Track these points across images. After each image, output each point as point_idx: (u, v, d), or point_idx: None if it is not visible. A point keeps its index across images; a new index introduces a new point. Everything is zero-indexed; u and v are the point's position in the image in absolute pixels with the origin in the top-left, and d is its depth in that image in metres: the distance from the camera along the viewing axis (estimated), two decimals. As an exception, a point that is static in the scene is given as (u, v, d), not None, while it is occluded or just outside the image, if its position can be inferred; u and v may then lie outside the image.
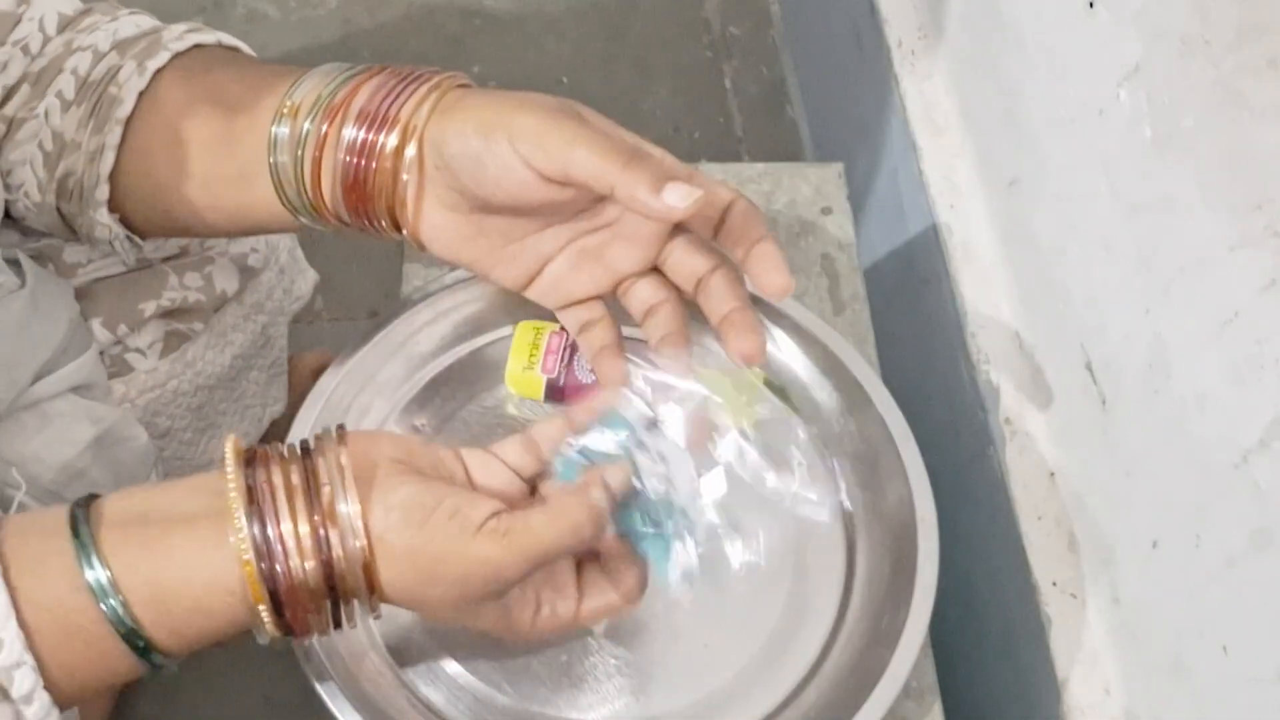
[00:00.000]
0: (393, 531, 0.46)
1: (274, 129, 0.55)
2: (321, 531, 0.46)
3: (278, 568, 0.45)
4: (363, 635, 0.58)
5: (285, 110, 0.55)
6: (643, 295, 0.58)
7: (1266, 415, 0.51)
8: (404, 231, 0.56)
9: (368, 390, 0.65)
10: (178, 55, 0.59)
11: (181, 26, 0.61)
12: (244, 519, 0.45)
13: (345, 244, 1.25)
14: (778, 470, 0.55)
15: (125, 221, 0.61)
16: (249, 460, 0.47)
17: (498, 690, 0.58)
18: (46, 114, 0.59)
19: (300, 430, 0.61)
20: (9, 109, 0.60)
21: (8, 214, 0.63)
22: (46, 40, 0.60)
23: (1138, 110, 0.61)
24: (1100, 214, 0.65)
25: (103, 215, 0.60)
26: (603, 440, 0.53)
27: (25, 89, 0.60)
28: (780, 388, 0.64)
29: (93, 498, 0.47)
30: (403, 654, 0.58)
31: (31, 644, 0.44)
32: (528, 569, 0.47)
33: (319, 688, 0.54)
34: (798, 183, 0.80)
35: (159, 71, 0.59)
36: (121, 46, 0.60)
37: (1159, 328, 0.60)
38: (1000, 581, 0.75)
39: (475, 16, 1.52)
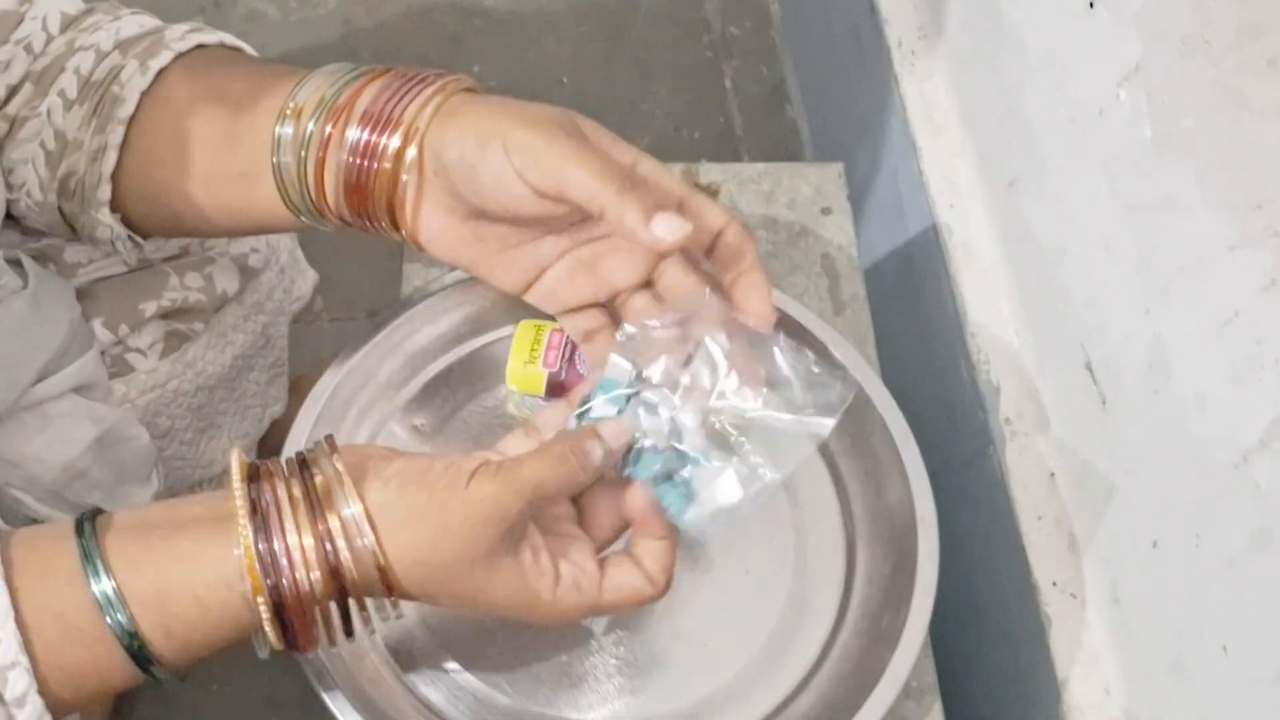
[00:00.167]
0: (392, 497, 0.47)
1: (277, 129, 0.55)
2: (326, 544, 0.46)
3: (283, 581, 0.46)
4: (363, 636, 0.58)
5: (289, 111, 0.55)
6: (638, 307, 0.58)
7: (1266, 415, 0.51)
8: (403, 232, 0.56)
9: (368, 390, 0.65)
10: (180, 55, 0.60)
11: (184, 27, 0.61)
12: (250, 533, 0.45)
13: (345, 244, 1.25)
14: (773, 388, 0.53)
15: (127, 221, 0.61)
16: (252, 476, 0.48)
17: (498, 690, 0.58)
18: (49, 113, 0.59)
19: (301, 430, 0.61)
20: (11, 108, 0.60)
21: (9, 214, 0.63)
22: (49, 39, 0.61)
23: (1138, 110, 0.61)
24: (1100, 214, 0.65)
25: (104, 215, 0.60)
26: (604, 408, 0.53)
27: (28, 88, 0.60)
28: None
29: (99, 511, 0.48)
30: (403, 654, 0.58)
31: (29, 645, 0.44)
32: (526, 504, 0.48)
33: (319, 688, 0.54)
34: (798, 183, 0.80)
35: (162, 71, 0.59)
36: (124, 46, 0.60)
37: (1159, 328, 0.60)
38: (1000, 581, 0.75)
39: (475, 16, 1.52)
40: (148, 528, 0.47)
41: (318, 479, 0.47)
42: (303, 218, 0.57)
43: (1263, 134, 0.53)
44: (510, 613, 0.50)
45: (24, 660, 0.43)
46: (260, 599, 0.45)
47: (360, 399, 0.65)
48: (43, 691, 0.44)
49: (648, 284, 0.58)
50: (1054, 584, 0.69)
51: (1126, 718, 0.64)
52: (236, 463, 0.47)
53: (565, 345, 0.65)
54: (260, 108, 0.56)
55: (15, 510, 0.63)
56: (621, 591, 0.51)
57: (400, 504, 0.47)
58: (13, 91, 0.60)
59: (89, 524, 0.46)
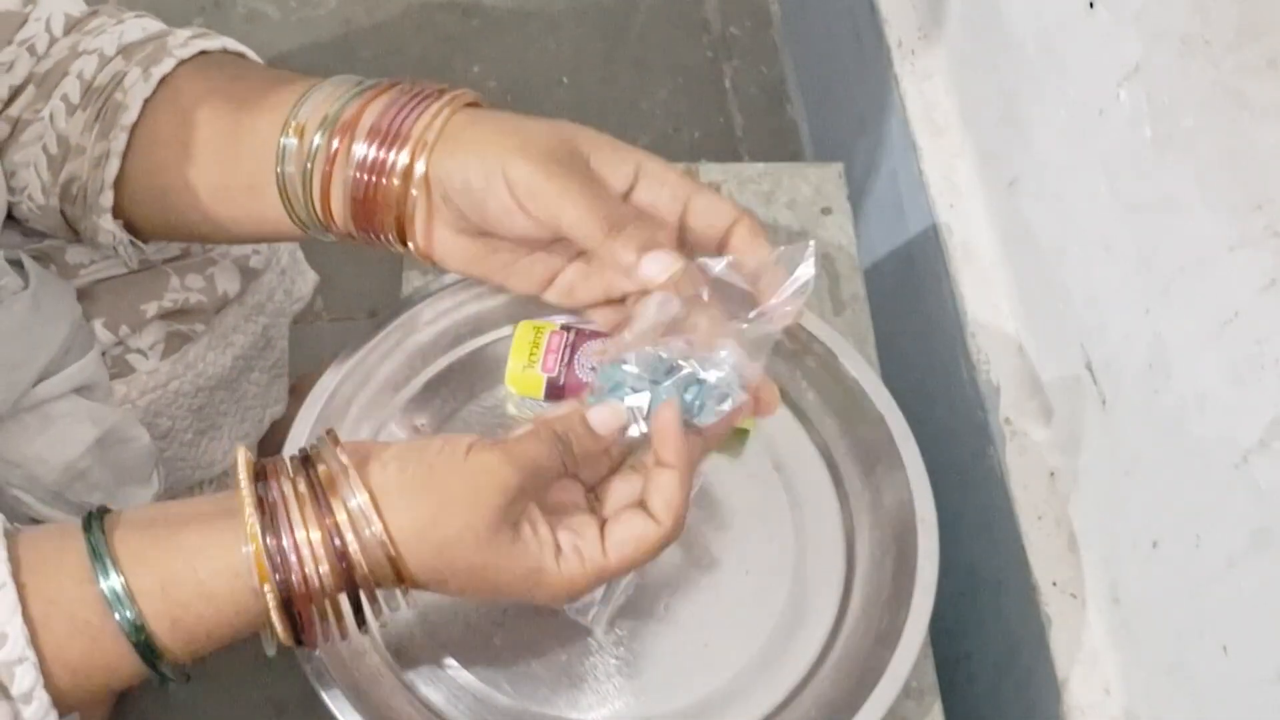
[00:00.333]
0: (393, 476, 0.47)
1: (282, 140, 0.55)
2: (335, 537, 0.46)
3: (292, 576, 0.46)
4: (363, 635, 0.58)
5: (293, 126, 0.55)
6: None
7: (1266, 415, 0.51)
8: (410, 246, 0.56)
9: (368, 390, 0.65)
10: (183, 61, 0.60)
11: (186, 32, 0.61)
12: (258, 529, 0.46)
13: (346, 245, 1.25)
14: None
15: (129, 226, 0.62)
16: (258, 474, 0.48)
17: (498, 690, 0.58)
18: (51, 117, 0.59)
19: (301, 429, 0.61)
20: (14, 109, 0.60)
21: (10, 215, 0.63)
22: (53, 41, 0.61)
23: (1138, 110, 0.61)
24: (1100, 214, 0.65)
25: (106, 221, 0.60)
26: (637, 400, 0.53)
27: (31, 90, 0.60)
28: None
29: (107, 509, 0.48)
30: (402, 654, 0.59)
31: (36, 641, 0.44)
32: (524, 477, 0.48)
33: (319, 688, 0.54)
34: (798, 183, 0.80)
35: (165, 78, 0.59)
36: (127, 51, 0.60)
37: (1159, 328, 0.60)
38: (1000, 581, 0.75)
39: (475, 16, 1.52)
40: (154, 524, 0.47)
41: (322, 471, 0.47)
42: (308, 230, 0.57)
43: (1263, 134, 0.53)
44: (519, 591, 0.50)
45: (31, 655, 0.44)
46: (267, 587, 0.46)
47: (360, 399, 0.65)
48: (49, 687, 0.44)
49: None
50: (1054, 584, 0.69)
51: (1126, 718, 0.64)
52: (242, 460, 0.48)
53: (564, 348, 0.65)
54: (264, 116, 0.56)
55: (16, 510, 0.63)
56: (626, 545, 0.50)
57: (401, 482, 0.47)
58: (15, 93, 0.60)
59: (97, 521, 0.46)
